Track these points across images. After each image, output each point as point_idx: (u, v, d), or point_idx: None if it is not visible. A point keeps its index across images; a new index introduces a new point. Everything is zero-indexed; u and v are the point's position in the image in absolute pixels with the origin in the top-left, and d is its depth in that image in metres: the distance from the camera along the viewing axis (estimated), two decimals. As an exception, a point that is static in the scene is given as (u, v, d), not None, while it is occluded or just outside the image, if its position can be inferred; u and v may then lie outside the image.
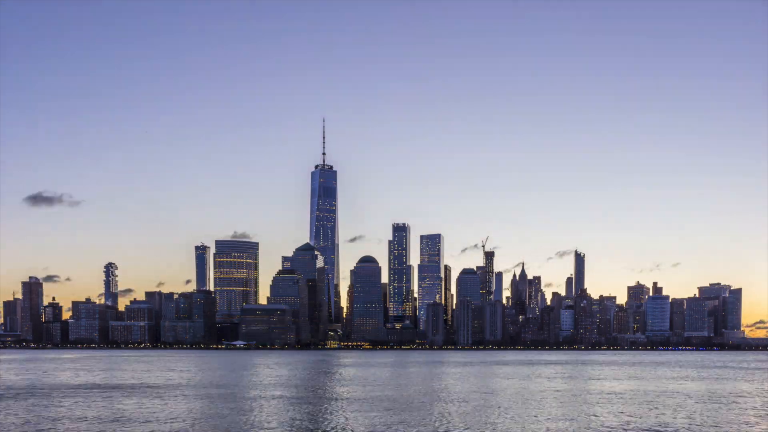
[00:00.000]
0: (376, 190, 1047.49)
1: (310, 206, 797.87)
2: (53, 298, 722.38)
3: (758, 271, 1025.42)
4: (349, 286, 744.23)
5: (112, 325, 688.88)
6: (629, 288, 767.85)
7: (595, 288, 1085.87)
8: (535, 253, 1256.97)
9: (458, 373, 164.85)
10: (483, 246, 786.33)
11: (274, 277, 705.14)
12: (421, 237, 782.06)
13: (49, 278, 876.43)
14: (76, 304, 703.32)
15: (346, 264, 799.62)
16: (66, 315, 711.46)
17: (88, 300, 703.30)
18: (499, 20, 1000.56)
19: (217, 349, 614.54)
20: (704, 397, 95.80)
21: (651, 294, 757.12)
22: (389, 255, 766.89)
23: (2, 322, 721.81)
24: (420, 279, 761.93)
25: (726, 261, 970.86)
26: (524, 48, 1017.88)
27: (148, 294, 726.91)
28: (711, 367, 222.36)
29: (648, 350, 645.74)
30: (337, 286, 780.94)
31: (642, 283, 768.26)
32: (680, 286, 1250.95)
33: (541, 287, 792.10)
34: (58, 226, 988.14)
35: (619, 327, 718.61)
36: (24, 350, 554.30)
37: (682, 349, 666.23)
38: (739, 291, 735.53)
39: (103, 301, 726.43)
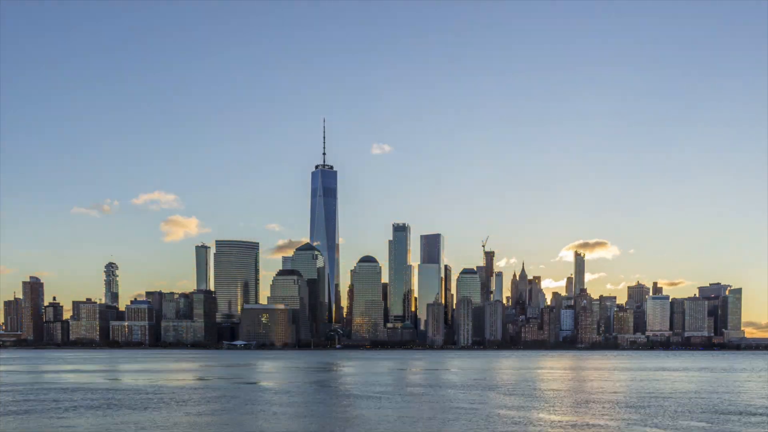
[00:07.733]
0: (376, 190, 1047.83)
1: (310, 206, 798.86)
2: (54, 298, 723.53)
3: (758, 271, 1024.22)
4: (349, 286, 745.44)
5: (113, 325, 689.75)
6: (629, 288, 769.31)
7: (595, 288, 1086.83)
8: (535, 252, 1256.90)
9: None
10: (483, 246, 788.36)
11: (274, 277, 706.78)
12: (421, 237, 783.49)
13: (50, 278, 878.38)
14: (76, 304, 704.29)
15: (346, 264, 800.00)
16: (67, 315, 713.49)
17: (88, 300, 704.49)
18: (500, 21, 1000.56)
19: (217, 349, 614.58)
20: None
21: (651, 294, 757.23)
22: (389, 255, 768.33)
23: (3, 321, 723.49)
24: (420, 279, 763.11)
25: (726, 261, 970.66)
26: (524, 49, 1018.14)
27: (149, 294, 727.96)
28: None
29: (648, 350, 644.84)
30: (337, 286, 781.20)
31: (642, 283, 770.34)
32: (680, 286, 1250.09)
33: (541, 287, 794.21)
34: (59, 225, 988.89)
35: (619, 327, 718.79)
36: (24, 350, 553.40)
37: (682, 349, 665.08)
38: (739, 291, 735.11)
39: (103, 301, 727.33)
